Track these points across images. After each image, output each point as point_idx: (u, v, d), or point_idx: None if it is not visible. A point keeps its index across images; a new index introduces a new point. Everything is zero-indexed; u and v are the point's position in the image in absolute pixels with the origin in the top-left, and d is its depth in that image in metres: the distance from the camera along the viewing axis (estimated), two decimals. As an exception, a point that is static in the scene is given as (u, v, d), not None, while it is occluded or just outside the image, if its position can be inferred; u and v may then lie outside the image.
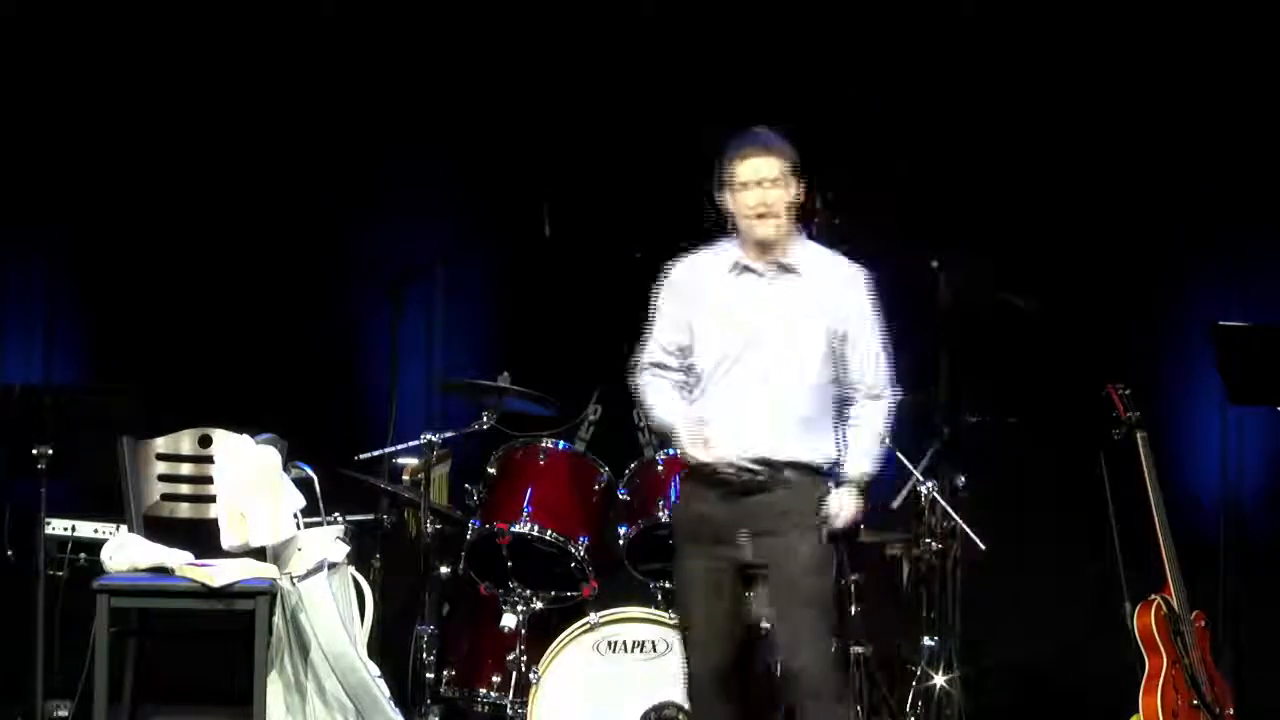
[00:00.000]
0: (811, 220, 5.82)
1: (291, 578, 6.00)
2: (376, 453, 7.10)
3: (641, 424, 6.96)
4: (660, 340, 5.65)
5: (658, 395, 5.64)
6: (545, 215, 7.69)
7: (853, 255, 7.99)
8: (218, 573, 5.97)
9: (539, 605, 6.81)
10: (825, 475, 5.57)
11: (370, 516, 6.96)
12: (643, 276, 5.77)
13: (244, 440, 6.35)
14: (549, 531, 6.77)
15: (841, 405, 5.62)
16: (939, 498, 6.94)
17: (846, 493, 5.56)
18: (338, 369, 7.99)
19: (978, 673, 7.36)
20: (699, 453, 5.47)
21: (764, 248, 5.56)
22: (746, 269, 5.58)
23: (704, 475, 5.53)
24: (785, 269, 5.59)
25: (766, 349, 5.52)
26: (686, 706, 6.49)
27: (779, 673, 5.63)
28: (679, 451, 5.63)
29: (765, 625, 5.57)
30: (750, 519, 5.48)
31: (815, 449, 5.55)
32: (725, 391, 5.53)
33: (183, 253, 8.01)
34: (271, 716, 5.96)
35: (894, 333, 5.69)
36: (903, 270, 7.24)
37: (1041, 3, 7.95)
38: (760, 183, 5.50)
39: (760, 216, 5.51)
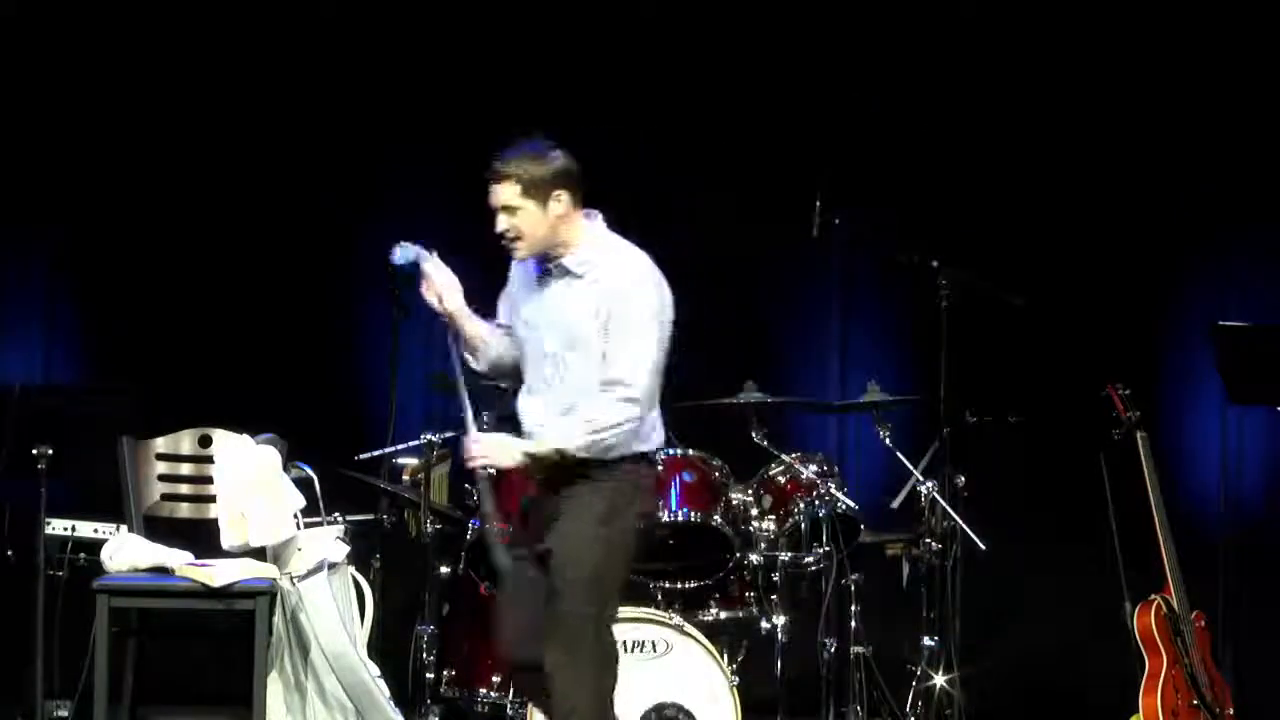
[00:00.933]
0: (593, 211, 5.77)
1: (291, 578, 6.00)
2: (376, 453, 7.09)
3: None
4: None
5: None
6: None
7: (853, 255, 8.04)
8: (218, 573, 5.97)
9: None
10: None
11: (370, 516, 6.95)
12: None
13: (244, 440, 6.34)
14: (549, 531, 6.76)
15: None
16: (939, 498, 6.94)
17: (514, 440, 5.51)
18: (338, 369, 7.99)
19: (978, 673, 7.37)
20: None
21: (550, 255, 5.55)
22: (546, 271, 5.59)
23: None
24: (566, 271, 5.56)
25: (551, 342, 5.54)
26: (686, 706, 6.52)
27: None
28: None
29: None
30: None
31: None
32: (528, 377, 5.63)
33: (183, 253, 8.01)
34: (271, 716, 5.96)
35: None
36: (902, 270, 7.27)
37: (1041, 3, 7.96)
38: (497, 209, 5.53)
39: (505, 242, 5.54)
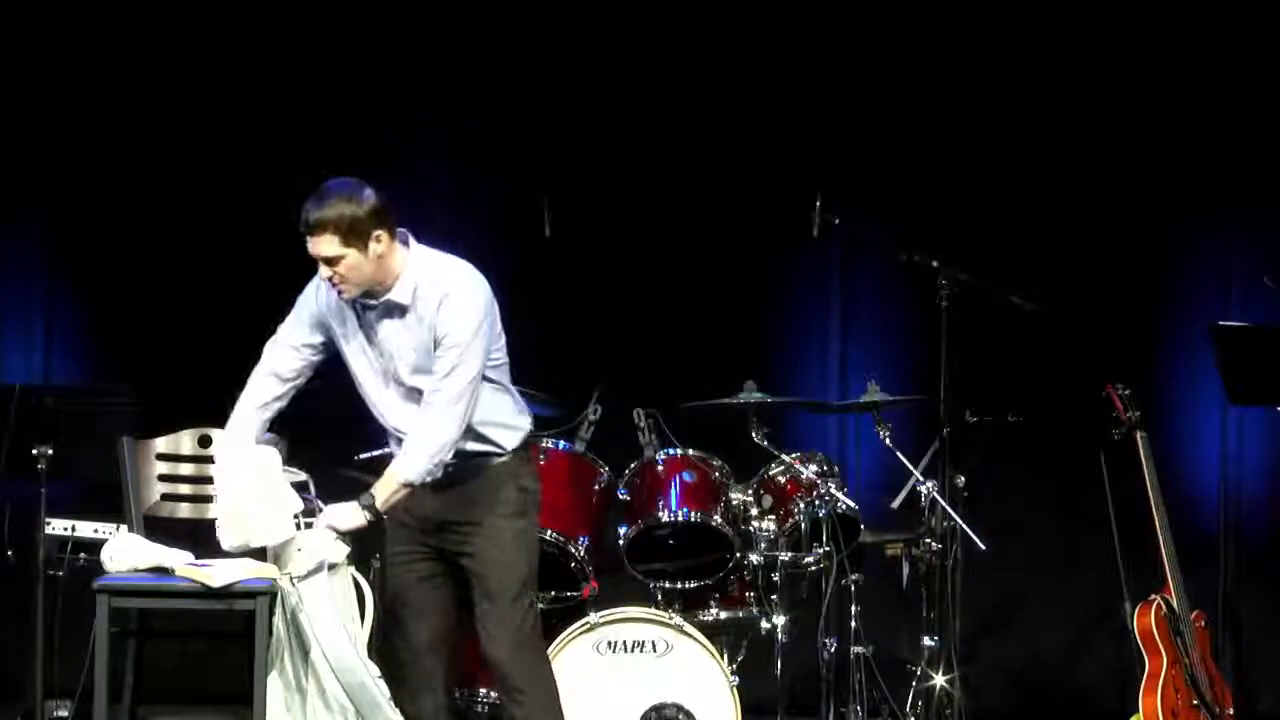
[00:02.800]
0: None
1: (291, 578, 5.99)
2: (376, 453, 7.07)
3: (641, 424, 6.96)
4: None
5: None
6: (545, 215, 7.69)
7: (853, 255, 8.04)
8: (218, 573, 5.95)
9: (539, 605, 6.80)
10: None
11: (370, 516, 6.94)
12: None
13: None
14: (549, 531, 6.77)
15: None
16: (939, 498, 6.94)
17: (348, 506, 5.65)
18: (338, 369, 7.98)
19: (978, 673, 7.36)
20: None
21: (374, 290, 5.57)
22: (363, 304, 5.63)
23: None
24: (394, 306, 5.60)
25: (385, 364, 5.68)
26: (686, 706, 6.52)
27: None
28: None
29: None
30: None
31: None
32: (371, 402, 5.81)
33: (183, 253, 8.00)
34: (271, 716, 5.95)
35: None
36: (902, 270, 7.27)
37: (1042, 3, 7.96)
38: (320, 259, 5.53)
39: (335, 287, 5.55)
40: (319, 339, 5.74)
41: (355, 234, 5.47)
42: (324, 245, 5.49)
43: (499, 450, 5.70)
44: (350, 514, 5.60)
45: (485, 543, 5.68)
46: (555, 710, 5.72)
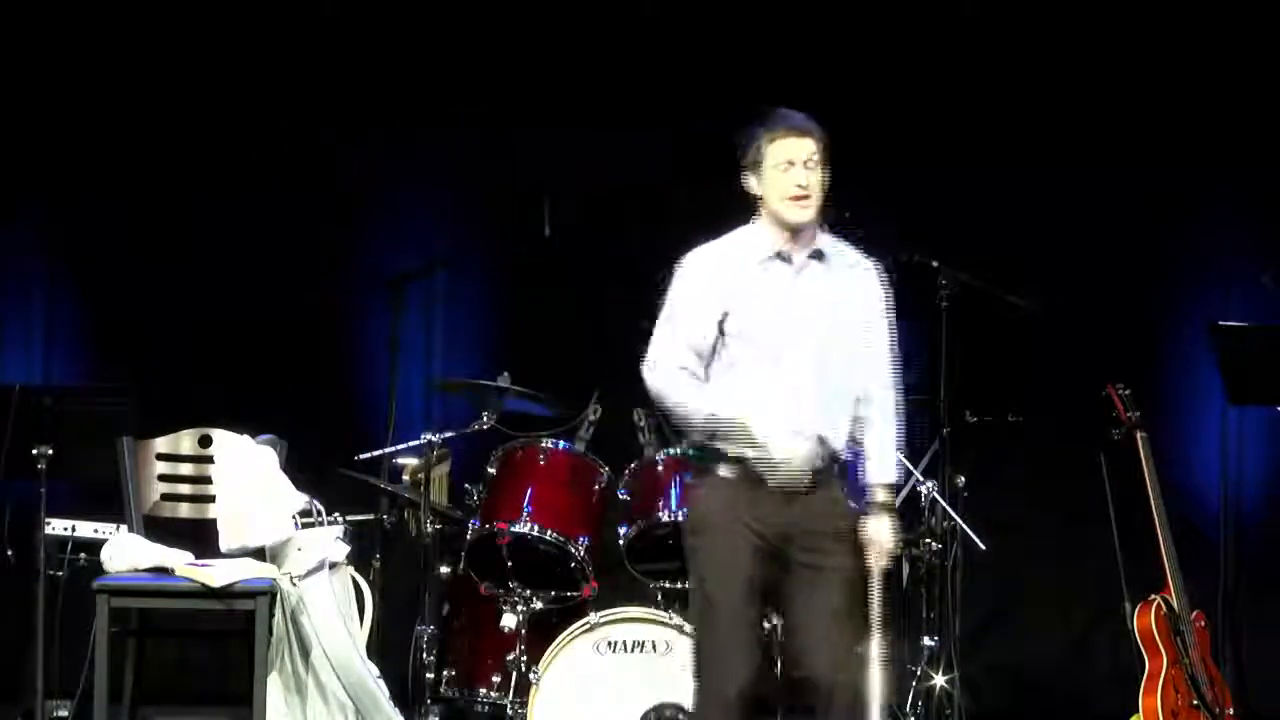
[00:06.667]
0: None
1: (291, 578, 6.00)
2: (376, 453, 7.10)
3: (641, 424, 6.96)
4: (684, 338, 5.37)
5: (693, 394, 5.35)
6: (545, 215, 7.69)
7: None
8: (218, 573, 5.97)
9: (539, 605, 6.81)
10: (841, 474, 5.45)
11: (370, 516, 6.96)
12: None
13: (244, 440, 6.35)
14: (549, 531, 6.77)
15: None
16: (939, 498, 6.94)
17: (883, 517, 5.38)
18: (338, 369, 7.99)
19: (978, 673, 7.36)
20: (780, 452, 5.24)
21: (795, 235, 5.37)
22: (778, 256, 5.38)
23: (751, 476, 5.31)
24: (815, 256, 5.41)
25: (809, 339, 5.32)
26: (686, 706, 6.51)
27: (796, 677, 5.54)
28: (727, 450, 5.31)
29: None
30: (806, 519, 5.32)
31: (843, 445, 5.40)
32: (768, 384, 5.29)
33: (183, 253, 8.01)
34: (271, 716, 5.96)
35: (894, 332, 5.67)
36: (902, 270, 7.26)
37: (1042, 2, 7.96)
38: (797, 164, 5.31)
39: (796, 199, 5.30)
40: (710, 334, 5.44)
41: (827, 154, 5.36)
42: (811, 148, 5.33)
43: None
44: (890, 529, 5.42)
45: None
46: None
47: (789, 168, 5.32)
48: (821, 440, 5.32)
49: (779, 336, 5.31)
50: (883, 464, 5.42)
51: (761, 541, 5.30)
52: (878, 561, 5.34)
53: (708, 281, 5.39)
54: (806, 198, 5.31)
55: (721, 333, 5.35)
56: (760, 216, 5.44)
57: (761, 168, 5.36)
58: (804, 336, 5.32)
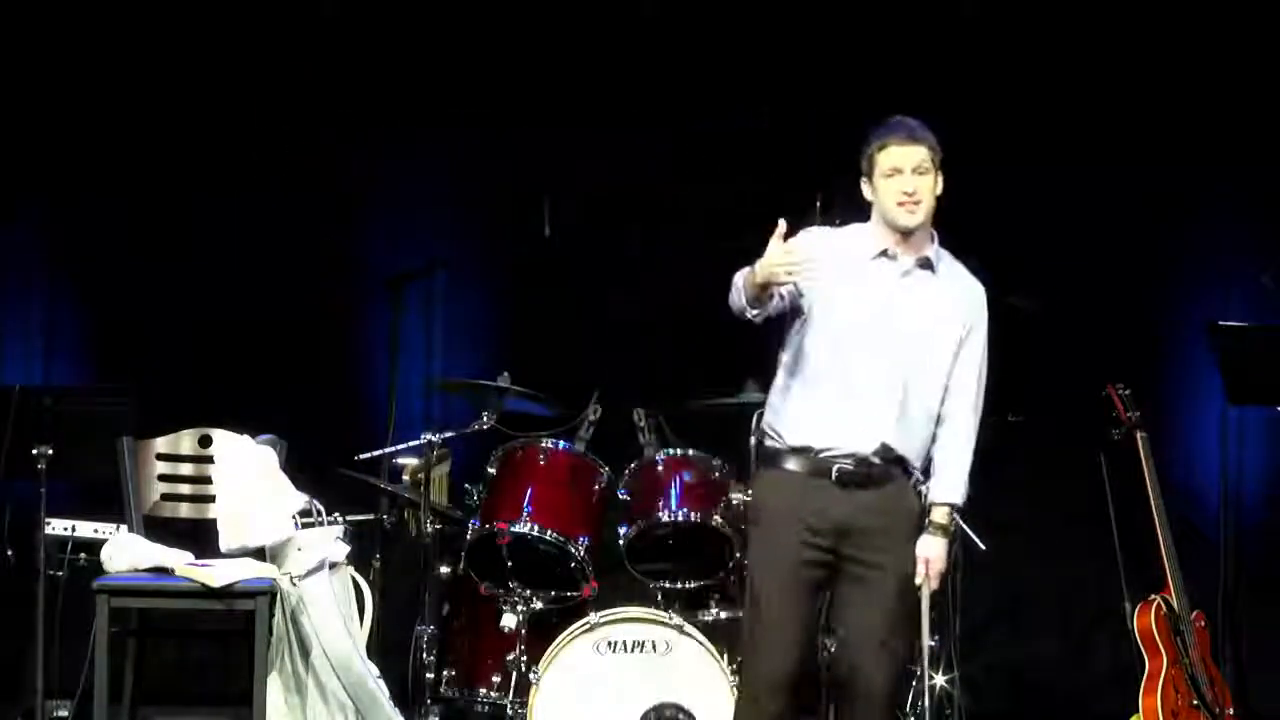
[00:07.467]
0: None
1: (291, 578, 6.00)
2: (376, 453, 7.09)
3: (641, 424, 6.96)
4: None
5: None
6: (545, 215, 7.69)
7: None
8: (218, 573, 5.97)
9: (539, 605, 6.81)
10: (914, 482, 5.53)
11: (370, 516, 6.96)
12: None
13: (244, 440, 6.34)
14: (549, 531, 6.77)
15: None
16: (939, 498, 6.93)
17: (938, 537, 5.49)
18: (338, 369, 8.00)
19: (978, 673, 7.36)
20: (780, 261, 5.30)
21: (905, 238, 5.48)
22: (884, 254, 5.49)
23: (815, 469, 5.43)
24: (923, 263, 5.52)
25: (901, 339, 5.45)
26: (686, 706, 6.52)
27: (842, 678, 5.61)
28: (755, 282, 5.44)
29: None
30: (864, 514, 5.43)
31: (919, 453, 5.51)
32: (847, 374, 5.42)
33: (183, 253, 8.01)
34: (271, 716, 5.96)
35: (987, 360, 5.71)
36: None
37: (1042, 2, 7.96)
38: (906, 170, 5.41)
39: (903, 205, 5.41)
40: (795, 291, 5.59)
41: (938, 162, 5.44)
42: (921, 155, 5.42)
43: None
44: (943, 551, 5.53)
45: None
46: None
47: (897, 174, 5.42)
48: (886, 446, 5.43)
49: (871, 336, 5.44)
50: (948, 484, 5.54)
51: (816, 538, 5.43)
52: (925, 581, 5.43)
53: (822, 248, 5.46)
54: (915, 203, 5.42)
55: (797, 312, 5.49)
56: (873, 221, 5.55)
57: (873, 175, 5.48)
58: (896, 340, 5.44)
